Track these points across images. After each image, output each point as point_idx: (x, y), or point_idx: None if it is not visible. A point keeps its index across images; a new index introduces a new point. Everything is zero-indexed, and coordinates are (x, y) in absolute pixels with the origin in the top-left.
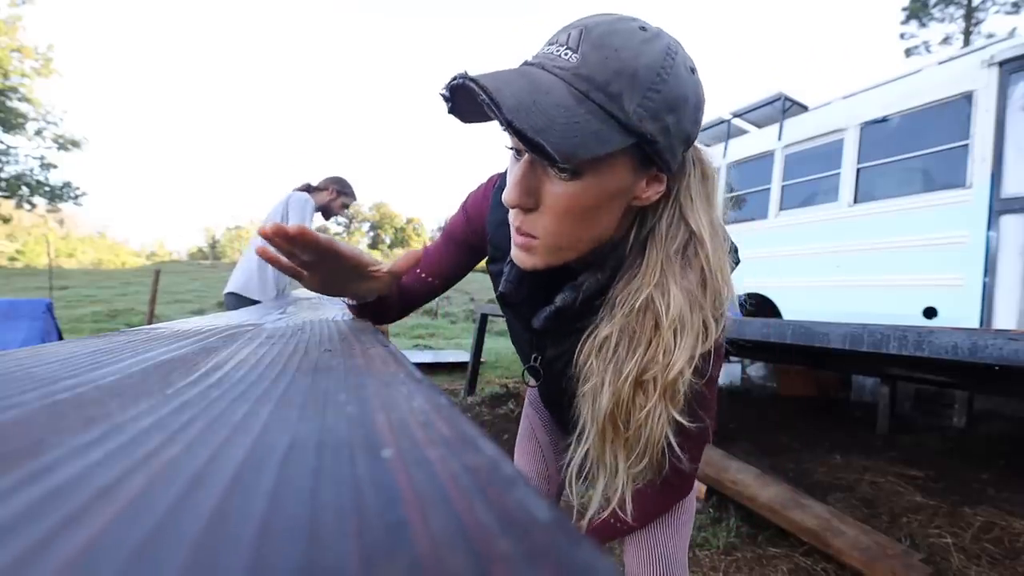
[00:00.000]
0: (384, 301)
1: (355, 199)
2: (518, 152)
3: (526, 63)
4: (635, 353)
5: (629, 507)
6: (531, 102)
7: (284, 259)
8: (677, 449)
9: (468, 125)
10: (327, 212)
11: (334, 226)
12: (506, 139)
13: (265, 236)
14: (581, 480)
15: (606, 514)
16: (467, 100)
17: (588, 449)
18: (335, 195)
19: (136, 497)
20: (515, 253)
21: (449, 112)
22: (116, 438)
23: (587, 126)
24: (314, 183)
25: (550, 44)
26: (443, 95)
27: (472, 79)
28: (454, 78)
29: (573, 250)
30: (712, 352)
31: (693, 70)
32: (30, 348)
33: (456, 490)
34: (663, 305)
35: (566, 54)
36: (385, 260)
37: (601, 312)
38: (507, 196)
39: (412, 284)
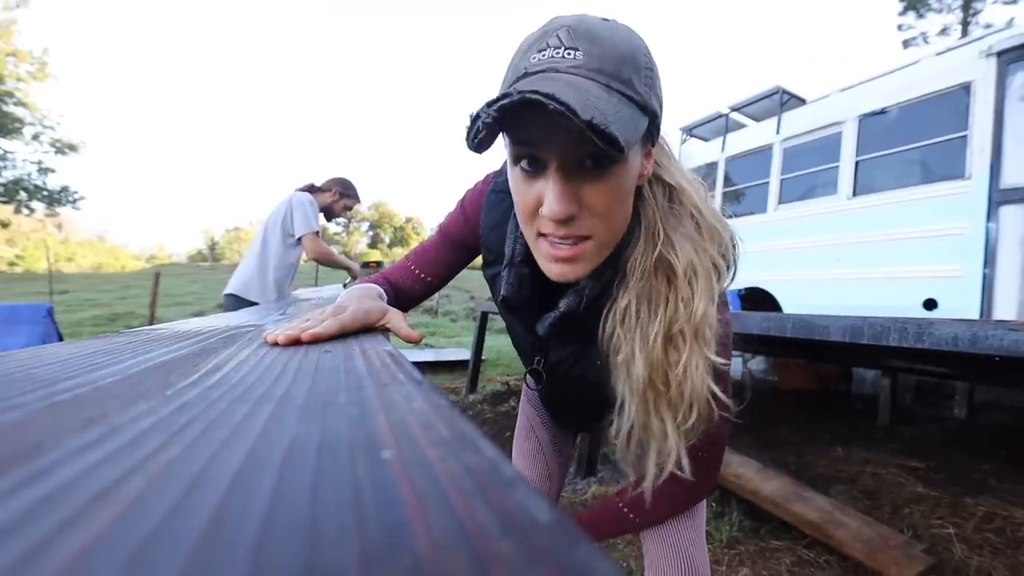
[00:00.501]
0: None
1: (359, 201)
2: (531, 168)
3: (528, 74)
4: (656, 313)
5: (686, 463)
6: (585, 101)
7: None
8: (720, 394)
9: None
10: (329, 214)
11: (333, 225)
12: (506, 155)
13: (277, 345)
14: (630, 452)
15: (649, 486)
16: (504, 123)
17: (632, 420)
18: (338, 197)
19: (135, 499)
20: (555, 268)
21: (475, 145)
22: (115, 440)
23: (623, 113)
24: (317, 183)
25: (541, 51)
26: (487, 120)
27: (532, 91)
28: (502, 97)
29: (611, 245)
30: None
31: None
32: (30, 349)
33: (456, 491)
34: (673, 257)
35: (569, 53)
36: (385, 260)
37: (615, 283)
38: (555, 210)
39: (410, 285)
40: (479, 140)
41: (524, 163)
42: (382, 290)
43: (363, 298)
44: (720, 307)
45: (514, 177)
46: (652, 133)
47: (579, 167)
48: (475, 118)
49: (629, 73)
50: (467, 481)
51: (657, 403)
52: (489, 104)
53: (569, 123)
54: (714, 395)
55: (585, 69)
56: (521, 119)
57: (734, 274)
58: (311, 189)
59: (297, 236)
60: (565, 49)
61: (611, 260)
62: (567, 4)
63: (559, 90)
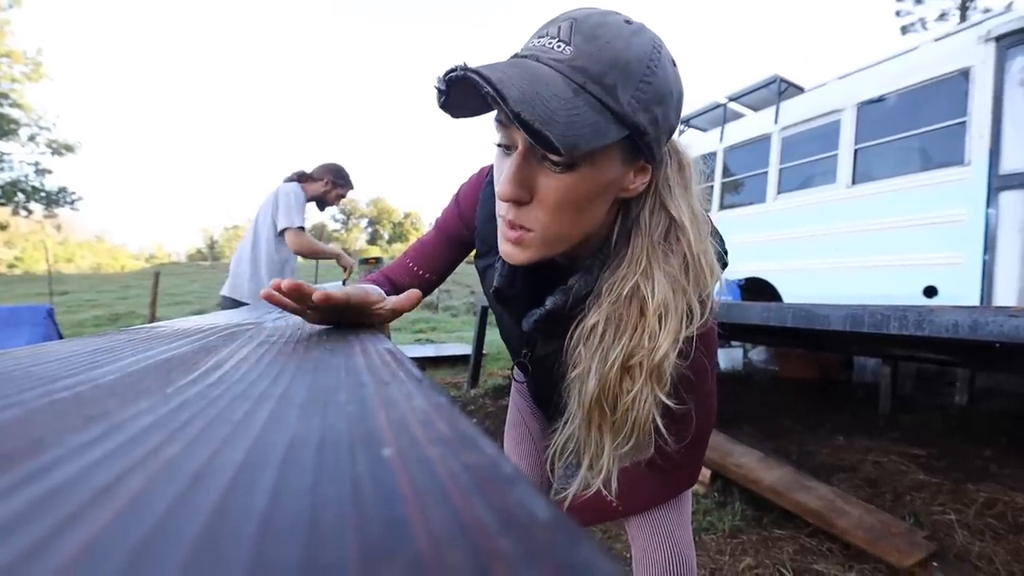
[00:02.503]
0: None
1: (352, 187)
2: (507, 147)
3: (516, 56)
4: (621, 340)
5: (614, 486)
6: (534, 93)
7: (291, 304)
8: (664, 431)
9: (460, 120)
10: (322, 203)
11: (331, 222)
12: (493, 135)
13: (281, 293)
14: (563, 461)
15: (591, 492)
16: (461, 94)
17: (573, 432)
18: (330, 185)
19: (136, 496)
20: (504, 248)
21: (441, 106)
22: (116, 437)
23: (586, 118)
24: (308, 171)
25: (540, 37)
26: (439, 88)
27: (474, 71)
28: (452, 70)
29: (564, 242)
30: (696, 338)
31: (675, 64)
32: (30, 347)
33: (456, 488)
34: (648, 291)
35: (559, 46)
36: (385, 256)
37: (588, 301)
38: (501, 190)
39: (408, 282)
40: (441, 103)
41: (497, 138)
42: (381, 291)
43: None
44: (703, 337)
45: (495, 155)
46: (640, 149)
47: (543, 158)
48: (436, 82)
49: (615, 80)
50: (467, 478)
51: (602, 423)
52: (444, 73)
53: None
54: (657, 430)
55: (567, 65)
56: (452, 94)
57: (708, 318)
58: (301, 178)
59: (280, 229)
60: (558, 41)
61: (598, 261)
62: (568, 4)
63: (508, 76)
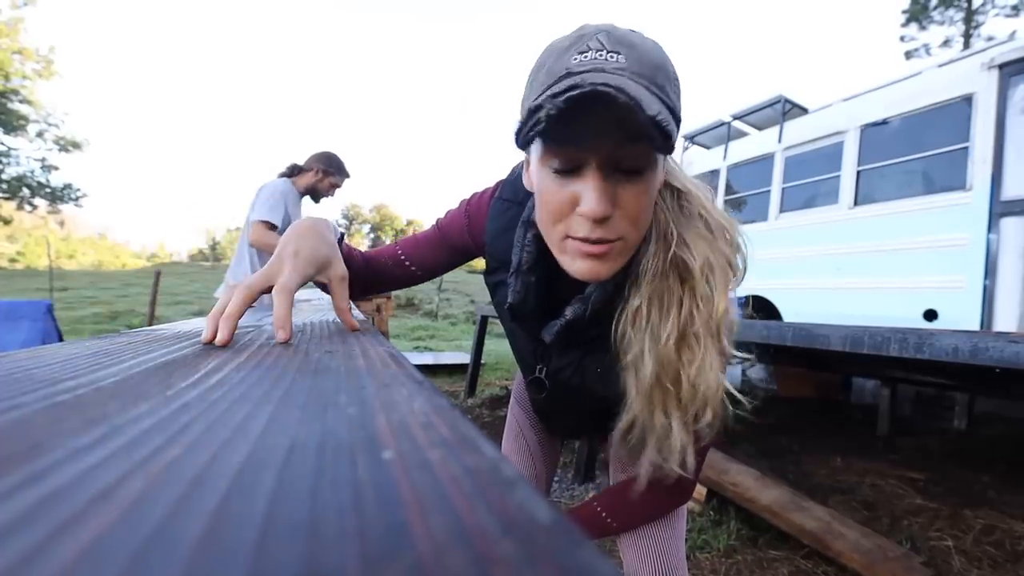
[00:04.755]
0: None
1: (347, 175)
2: (567, 171)
3: (572, 73)
4: (669, 314)
5: (691, 462)
6: (648, 98)
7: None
8: (735, 392)
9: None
10: (315, 195)
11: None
12: (541, 159)
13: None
14: (626, 443)
15: (586, 504)
16: (567, 118)
17: (635, 416)
18: (321, 176)
19: (136, 499)
20: (583, 265)
21: (532, 134)
22: (116, 440)
23: (666, 116)
24: (300, 163)
25: (583, 52)
26: (552, 110)
27: (603, 84)
28: (574, 87)
29: (635, 248)
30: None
31: None
32: (31, 349)
33: (457, 492)
34: (689, 257)
35: (612, 56)
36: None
37: (627, 285)
38: (597, 209)
39: (391, 267)
40: (536, 133)
41: (557, 163)
42: (335, 225)
43: (304, 237)
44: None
45: (543, 178)
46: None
47: (615, 169)
48: (533, 110)
49: (663, 80)
50: (468, 481)
51: (665, 401)
52: (554, 95)
53: (630, 119)
54: (728, 393)
55: (629, 72)
56: (571, 115)
57: (745, 270)
58: (293, 172)
59: (251, 220)
60: (608, 52)
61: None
62: (570, 3)
63: (624, 84)
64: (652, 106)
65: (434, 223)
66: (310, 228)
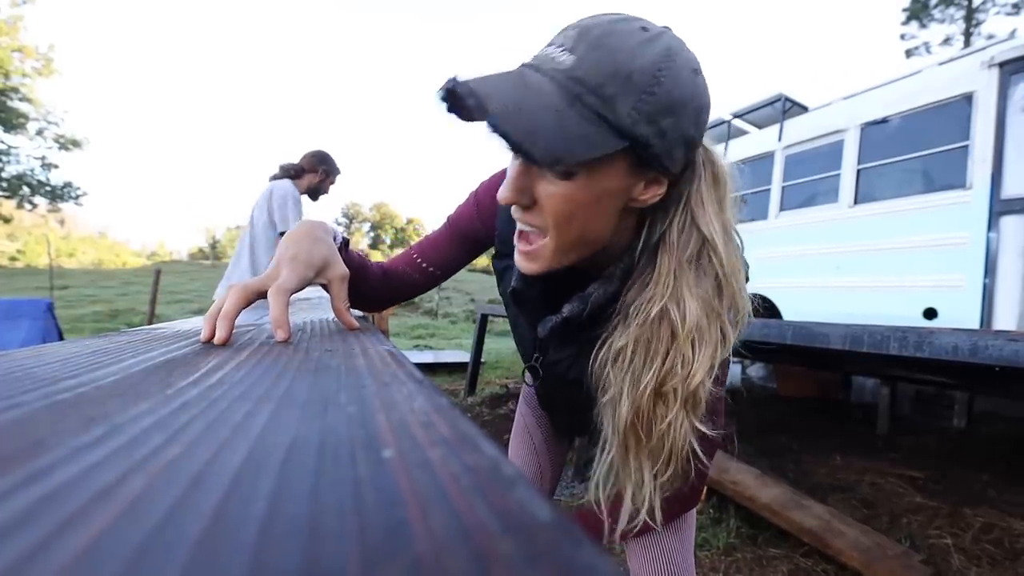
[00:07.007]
0: (357, 287)
1: (339, 172)
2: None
3: (524, 64)
4: (652, 363)
5: (659, 516)
6: (519, 105)
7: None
8: (702, 456)
9: (468, 124)
10: (316, 193)
11: (334, 225)
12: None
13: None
14: (606, 494)
15: (588, 509)
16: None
17: (613, 461)
18: (324, 175)
19: (136, 498)
20: (517, 259)
21: (449, 111)
22: (116, 439)
23: (576, 129)
24: (295, 162)
25: (549, 45)
26: (439, 94)
27: (461, 83)
28: (447, 82)
29: (577, 251)
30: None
31: (696, 71)
32: (31, 348)
33: (457, 490)
34: (679, 316)
35: (563, 55)
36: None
37: (615, 320)
38: (501, 193)
39: (409, 273)
40: (448, 109)
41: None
42: (334, 228)
43: (301, 241)
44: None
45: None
46: (649, 160)
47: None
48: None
49: (615, 91)
50: (467, 480)
51: (638, 450)
52: (442, 83)
53: (490, 123)
54: (696, 456)
55: (565, 76)
56: (451, 107)
57: (739, 338)
58: (296, 174)
59: (280, 232)
60: (563, 50)
61: (620, 270)
62: (570, 4)
63: (494, 89)
64: (506, 114)
65: (445, 220)
66: (307, 232)
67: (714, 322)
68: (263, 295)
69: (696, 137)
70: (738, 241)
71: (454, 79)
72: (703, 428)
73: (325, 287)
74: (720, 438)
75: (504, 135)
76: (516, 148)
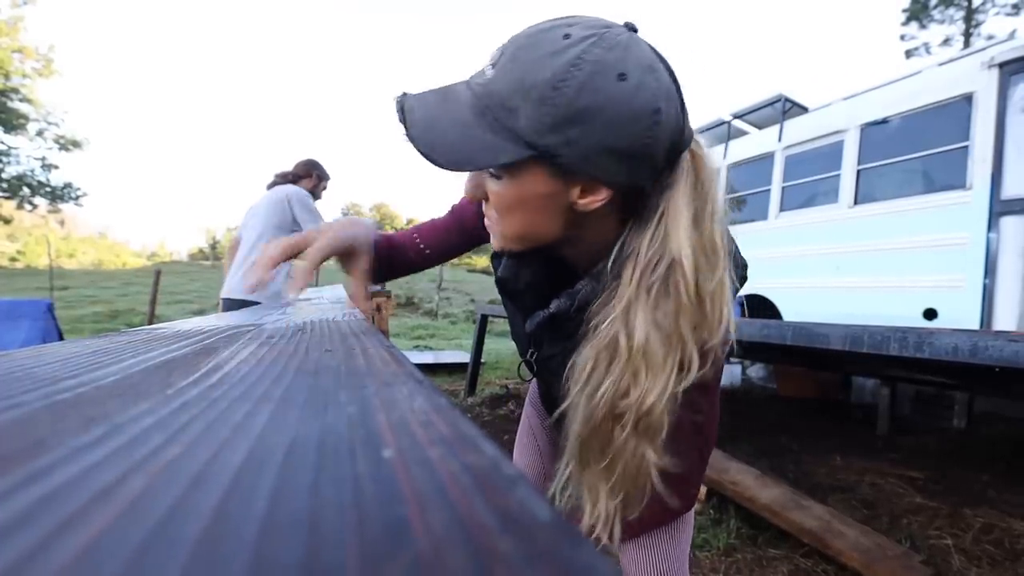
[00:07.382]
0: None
1: (329, 178)
2: None
3: (465, 80)
4: (606, 381)
5: (617, 535)
6: (433, 120)
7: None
8: (662, 486)
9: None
10: (311, 198)
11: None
12: None
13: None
14: (565, 500)
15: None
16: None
17: (572, 473)
18: (318, 180)
19: (137, 498)
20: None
21: (400, 122)
22: (116, 438)
23: (479, 140)
24: (288, 171)
25: (489, 60)
26: (396, 107)
27: (401, 99)
28: (397, 97)
29: (522, 242)
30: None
31: (623, 76)
32: (31, 348)
33: (457, 490)
34: (624, 335)
35: (489, 70)
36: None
37: (581, 330)
38: (464, 189)
39: (407, 249)
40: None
41: None
42: (375, 226)
43: (346, 226)
44: (703, 389)
45: None
46: (566, 169)
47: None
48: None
49: (518, 103)
50: (467, 479)
51: (592, 467)
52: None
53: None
54: (654, 487)
55: (482, 89)
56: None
57: (709, 369)
58: (293, 180)
59: None
60: (491, 64)
61: (608, 273)
62: (570, 4)
63: (420, 105)
64: (419, 126)
65: (449, 208)
66: (355, 222)
67: (674, 349)
68: (296, 256)
69: (618, 146)
70: (723, 253)
71: (403, 94)
72: (658, 459)
73: (347, 270)
74: (689, 471)
75: (416, 147)
76: (424, 156)
